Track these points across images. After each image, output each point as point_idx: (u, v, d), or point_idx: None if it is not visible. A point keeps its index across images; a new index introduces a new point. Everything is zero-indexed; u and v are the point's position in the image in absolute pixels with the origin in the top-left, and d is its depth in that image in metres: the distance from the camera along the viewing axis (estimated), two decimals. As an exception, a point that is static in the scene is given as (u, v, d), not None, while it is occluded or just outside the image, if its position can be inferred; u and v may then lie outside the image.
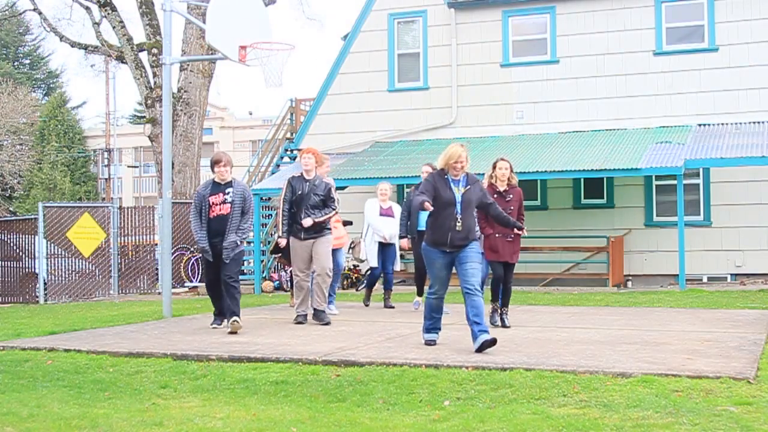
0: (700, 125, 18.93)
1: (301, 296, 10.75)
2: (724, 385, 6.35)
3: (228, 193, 9.97)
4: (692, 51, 19.22)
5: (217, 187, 10.04)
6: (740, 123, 18.64)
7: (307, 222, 10.53)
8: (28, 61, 56.04)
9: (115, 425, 5.72)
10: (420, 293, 12.27)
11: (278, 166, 22.83)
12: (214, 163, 10.04)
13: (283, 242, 10.80)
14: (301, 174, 10.78)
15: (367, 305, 13.11)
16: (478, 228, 9.31)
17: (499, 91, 20.44)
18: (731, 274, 18.51)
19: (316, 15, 59.62)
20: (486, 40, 20.69)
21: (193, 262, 19.89)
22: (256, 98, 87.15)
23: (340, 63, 21.78)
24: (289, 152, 22.87)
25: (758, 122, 18.49)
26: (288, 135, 23.16)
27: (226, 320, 9.98)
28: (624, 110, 19.45)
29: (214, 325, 10.37)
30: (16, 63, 54.26)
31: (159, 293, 16.18)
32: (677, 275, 16.37)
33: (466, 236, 8.06)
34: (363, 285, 14.73)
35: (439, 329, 8.44)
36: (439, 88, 21.00)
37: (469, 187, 8.16)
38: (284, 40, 13.37)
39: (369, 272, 13.63)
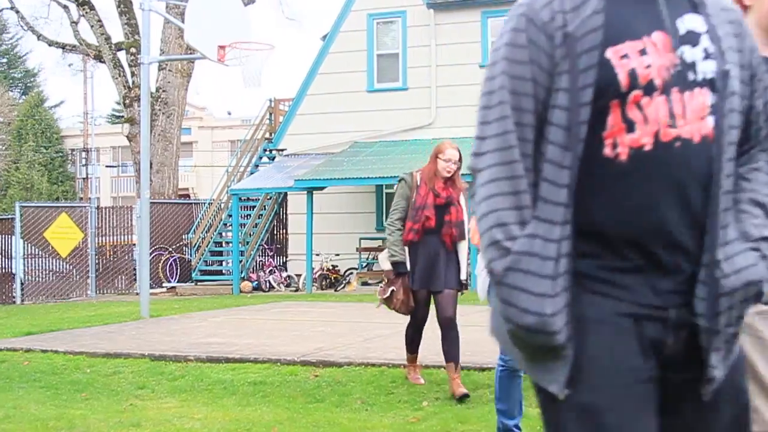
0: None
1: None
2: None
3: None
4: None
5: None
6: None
7: None
8: (5, 60, 55.56)
9: (92, 426, 5.68)
10: None
11: (257, 166, 22.75)
12: None
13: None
14: None
15: None
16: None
17: (478, 92, 20.44)
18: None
19: (296, 15, 59.29)
20: (465, 41, 20.72)
21: (171, 263, 19.79)
22: (235, 98, 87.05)
23: (319, 63, 21.75)
24: (267, 152, 22.81)
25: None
26: (267, 135, 23.09)
27: None
28: (602, 111, 19.52)
29: None
30: (-8, 62, 53.84)
31: (137, 294, 16.10)
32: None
33: None
34: None
35: None
36: (419, 88, 21.00)
37: None
38: (263, 40, 13.41)
39: None
